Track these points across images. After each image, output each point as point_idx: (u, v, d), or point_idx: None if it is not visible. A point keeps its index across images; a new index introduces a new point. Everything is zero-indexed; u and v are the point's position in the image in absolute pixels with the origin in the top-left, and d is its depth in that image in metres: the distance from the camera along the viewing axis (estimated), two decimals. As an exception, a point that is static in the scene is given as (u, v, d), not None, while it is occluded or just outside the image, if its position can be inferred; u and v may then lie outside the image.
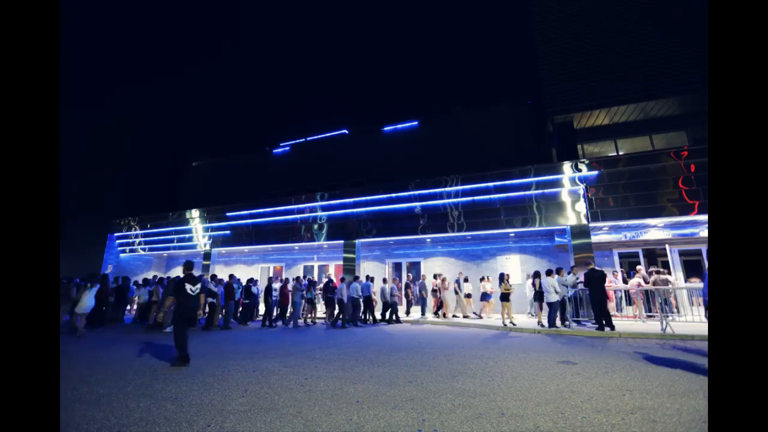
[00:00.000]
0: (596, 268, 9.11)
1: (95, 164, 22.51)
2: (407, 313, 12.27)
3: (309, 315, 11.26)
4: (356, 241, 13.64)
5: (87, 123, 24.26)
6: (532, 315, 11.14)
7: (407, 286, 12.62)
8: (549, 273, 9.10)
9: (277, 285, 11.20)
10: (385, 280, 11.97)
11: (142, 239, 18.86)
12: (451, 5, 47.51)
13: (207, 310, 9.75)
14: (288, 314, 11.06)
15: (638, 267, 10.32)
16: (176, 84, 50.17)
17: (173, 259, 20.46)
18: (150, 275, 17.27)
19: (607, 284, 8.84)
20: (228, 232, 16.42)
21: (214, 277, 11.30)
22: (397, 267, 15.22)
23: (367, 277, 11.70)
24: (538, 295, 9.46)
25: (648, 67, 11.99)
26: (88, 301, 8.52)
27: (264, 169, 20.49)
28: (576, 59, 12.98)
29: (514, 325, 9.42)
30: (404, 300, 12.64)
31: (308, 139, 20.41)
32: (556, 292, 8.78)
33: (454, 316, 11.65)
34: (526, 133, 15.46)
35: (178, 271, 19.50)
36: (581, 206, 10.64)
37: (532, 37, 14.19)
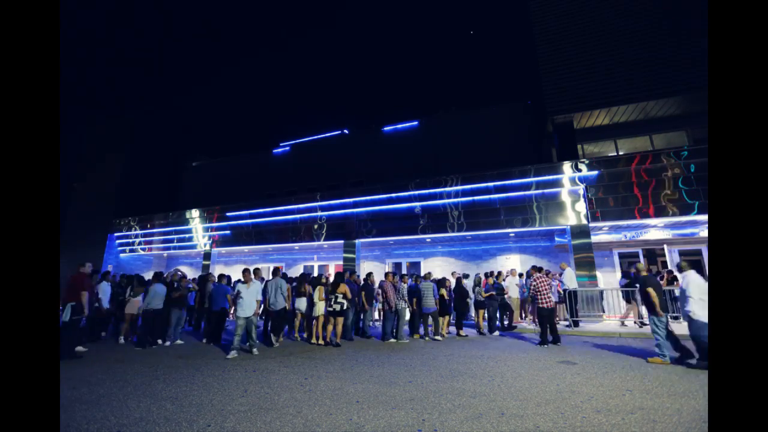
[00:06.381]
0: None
1: (95, 164, 22.46)
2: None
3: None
4: (356, 241, 13.63)
5: (87, 123, 24.23)
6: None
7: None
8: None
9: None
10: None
11: (142, 239, 18.86)
12: (450, 5, 47.54)
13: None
14: None
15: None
16: (176, 84, 50.20)
17: (173, 259, 20.45)
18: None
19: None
20: (228, 232, 16.42)
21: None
22: (398, 267, 15.22)
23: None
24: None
25: (648, 67, 11.97)
26: None
27: (264, 169, 20.47)
28: (576, 59, 12.96)
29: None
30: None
31: (308, 139, 20.39)
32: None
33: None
34: (526, 133, 15.44)
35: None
36: (581, 206, 10.63)
37: (531, 37, 14.17)
